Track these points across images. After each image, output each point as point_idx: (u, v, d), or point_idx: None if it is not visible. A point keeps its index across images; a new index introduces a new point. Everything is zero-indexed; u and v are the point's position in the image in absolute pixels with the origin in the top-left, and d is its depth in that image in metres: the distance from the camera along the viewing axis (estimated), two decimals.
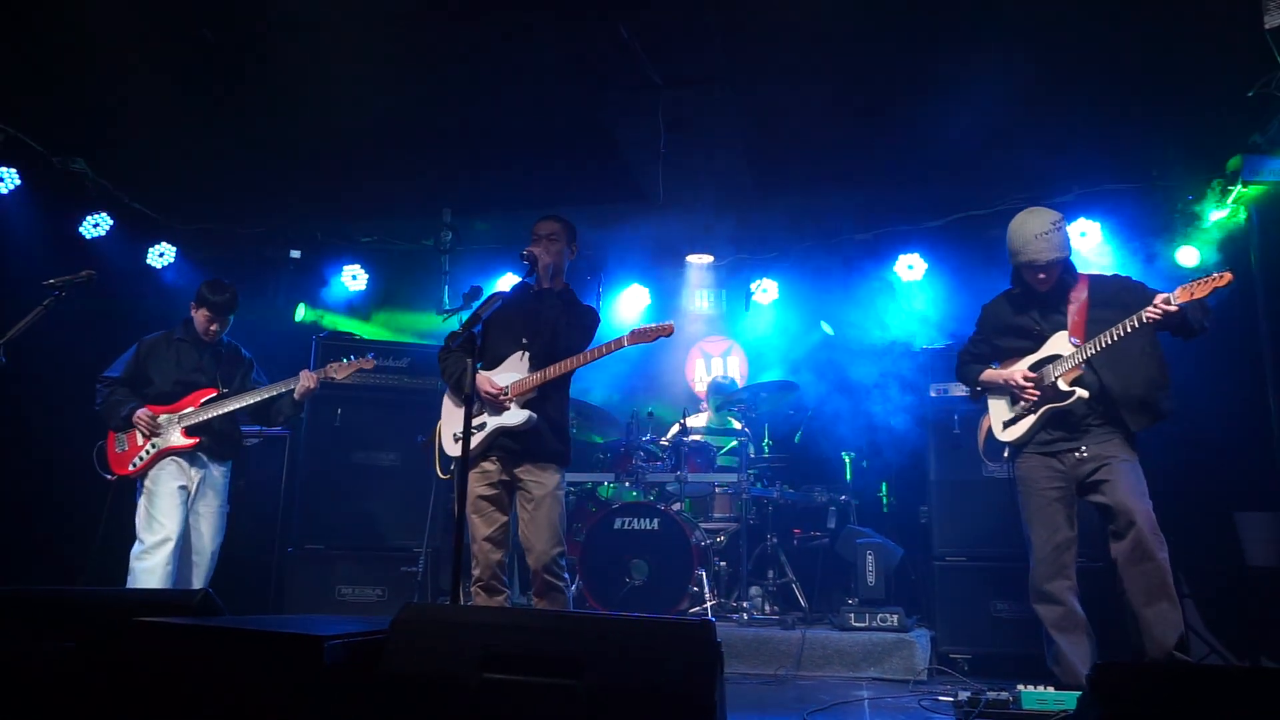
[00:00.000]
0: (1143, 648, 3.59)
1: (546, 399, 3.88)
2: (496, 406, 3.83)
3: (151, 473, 4.46)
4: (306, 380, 4.56)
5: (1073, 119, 5.31)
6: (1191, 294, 3.39)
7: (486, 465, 3.85)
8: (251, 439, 5.83)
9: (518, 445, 3.83)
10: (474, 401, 3.30)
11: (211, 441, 4.59)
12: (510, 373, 3.88)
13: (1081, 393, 3.71)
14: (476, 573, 3.81)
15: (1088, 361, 3.74)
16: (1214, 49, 4.57)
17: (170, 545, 4.35)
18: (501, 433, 3.82)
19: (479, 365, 3.92)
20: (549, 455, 3.87)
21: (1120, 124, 5.30)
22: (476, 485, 3.84)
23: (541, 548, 3.74)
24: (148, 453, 4.49)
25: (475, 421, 3.82)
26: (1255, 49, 4.24)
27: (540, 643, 1.98)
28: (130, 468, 4.50)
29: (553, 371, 3.79)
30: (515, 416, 3.80)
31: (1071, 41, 4.76)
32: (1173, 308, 3.44)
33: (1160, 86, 4.95)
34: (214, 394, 4.62)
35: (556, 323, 3.94)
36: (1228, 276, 3.35)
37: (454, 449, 3.93)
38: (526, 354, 3.89)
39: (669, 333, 3.83)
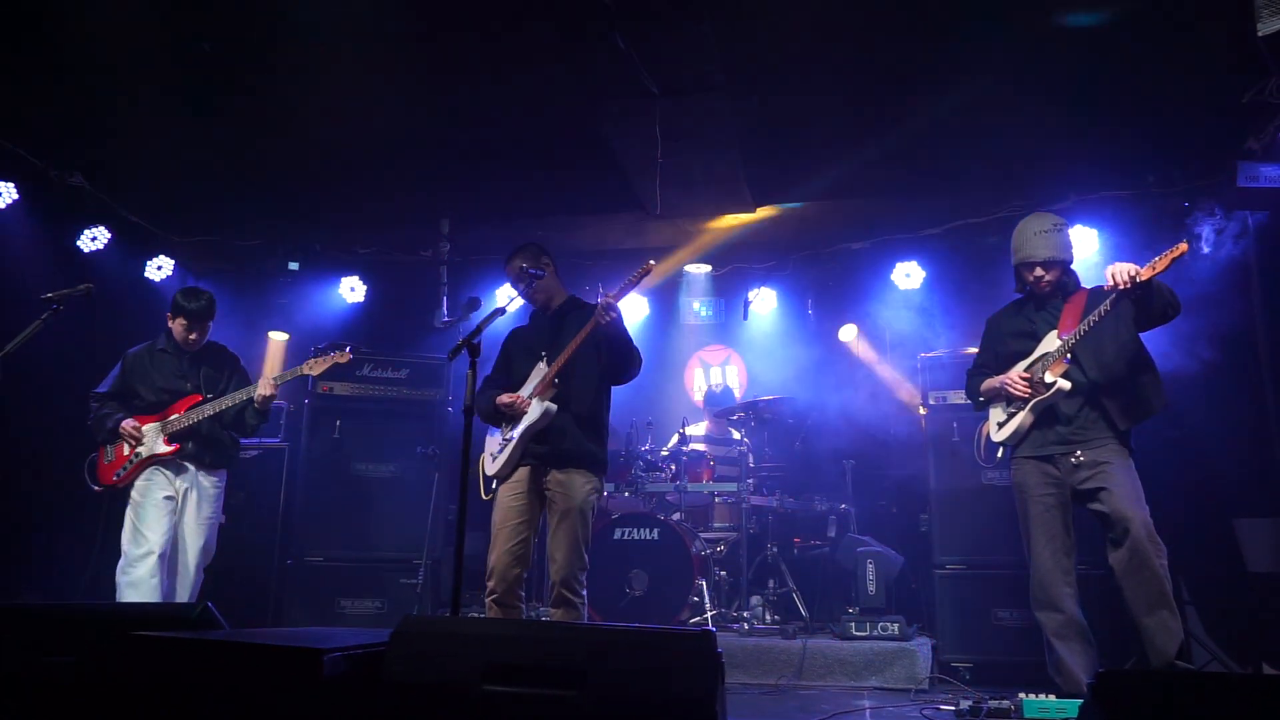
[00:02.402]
0: (1144, 655, 3.59)
1: (573, 396, 3.82)
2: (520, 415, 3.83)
3: (138, 483, 4.42)
4: (263, 387, 4.47)
5: (1069, 126, 5.33)
6: (1154, 268, 3.44)
7: (518, 475, 3.83)
8: (251, 450, 5.82)
9: (544, 448, 3.80)
10: (473, 414, 3.29)
11: (198, 448, 4.51)
12: (534, 381, 3.89)
13: (1063, 383, 3.72)
14: (491, 584, 3.72)
15: (1073, 355, 3.76)
16: (1208, 56, 4.59)
17: (153, 558, 4.28)
18: (530, 438, 3.80)
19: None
20: (578, 458, 3.79)
21: (1116, 131, 5.32)
22: (507, 496, 3.81)
23: (564, 562, 3.70)
24: (132, 462, 4.44)
25: (507, 434, 3.85)
26: (1249, 56, 4.26)
27: (541, 654, 1.98)
28: (115, 477, 4.46)
29: (562, 358, 3.76)
30: (534, 411, 3.77)
31: (1068, 49, 4.78)
32: (1125, 280, 3.47)
33: (1155, 93, 4.97)
34: (198, 400, 4.54)
35: (571, 327, 3.92)
36: (1182, 247, 3.42)
37: (492, 468, 3.92)
38: (545, 359, 3.89)
39: (649, 270, 3.76)
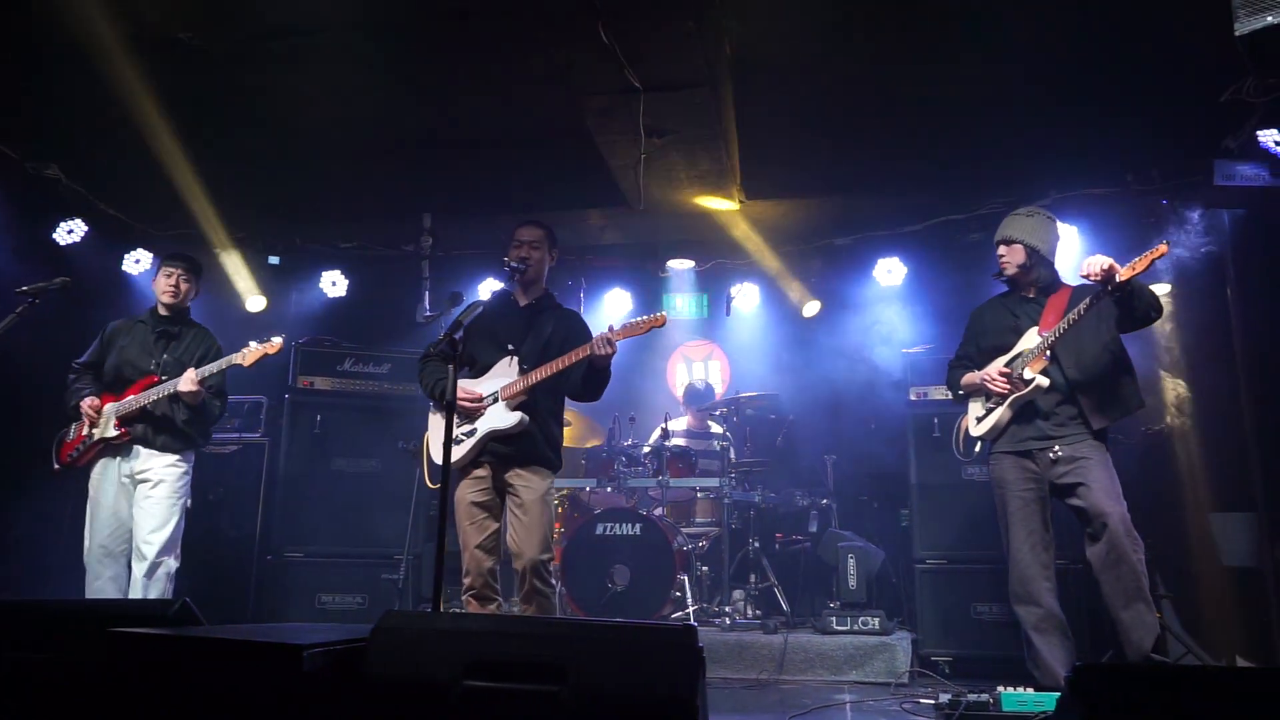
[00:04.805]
0: (1121, 649, 3.63)
1: (537, 404, 3.83)
2: (485, 413, 3.80)
3: (93, 476, 4.37)
4: (184, 383, 4.27)
5: (1049, 124, 5.36)
6: (1134, 269, 3.48)
7: (478, 472, 3.82)
8: (231, 445, 5.78)
9: (509, 449, 3.79)
10: (455, 408, 3.28)
11: (148, 430, 4.35)
12: (499, 378, 3.85)
13: (1041, 380, 3.76)
14: (468, 581, 3.75)
15: (1051, 352, 3.79)
16: (1186, 55, 4.63)
17: (92, 556, 4.25)
18: (493, 437, 3.78)
19: (464, 374, 3.92)
20: (539, 459, 3.84)
21: (1096, 129, 5.36)
22: (468, 492, 3.80)
23: (531, 553, 3.70)
24: (86, 443, 4.35)
25: (466, 428, 3.81)
26: (1227, 55, 4.29)
27: (522, 649, 1.97)
28: (69, 458, 4.38)
29: (543, 372, 3.75)
30: (507, 419, 3.75)
31: (1048, 48, 4.81)
32: (1097, 272, 3.51)
33: (1134, 92, 5.01)
34: (154, 382, 4.40)
35: (546, 328, 3.93)
36: (1162, 249, 3.48)
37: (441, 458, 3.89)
38: (515, 358, 3.86)
39: (661, 323, 3.72)
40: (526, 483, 3.78)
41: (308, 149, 5.81)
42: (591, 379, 3.82)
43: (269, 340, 4.44)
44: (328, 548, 5.68)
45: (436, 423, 3.98)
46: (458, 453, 3.80)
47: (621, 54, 4.51)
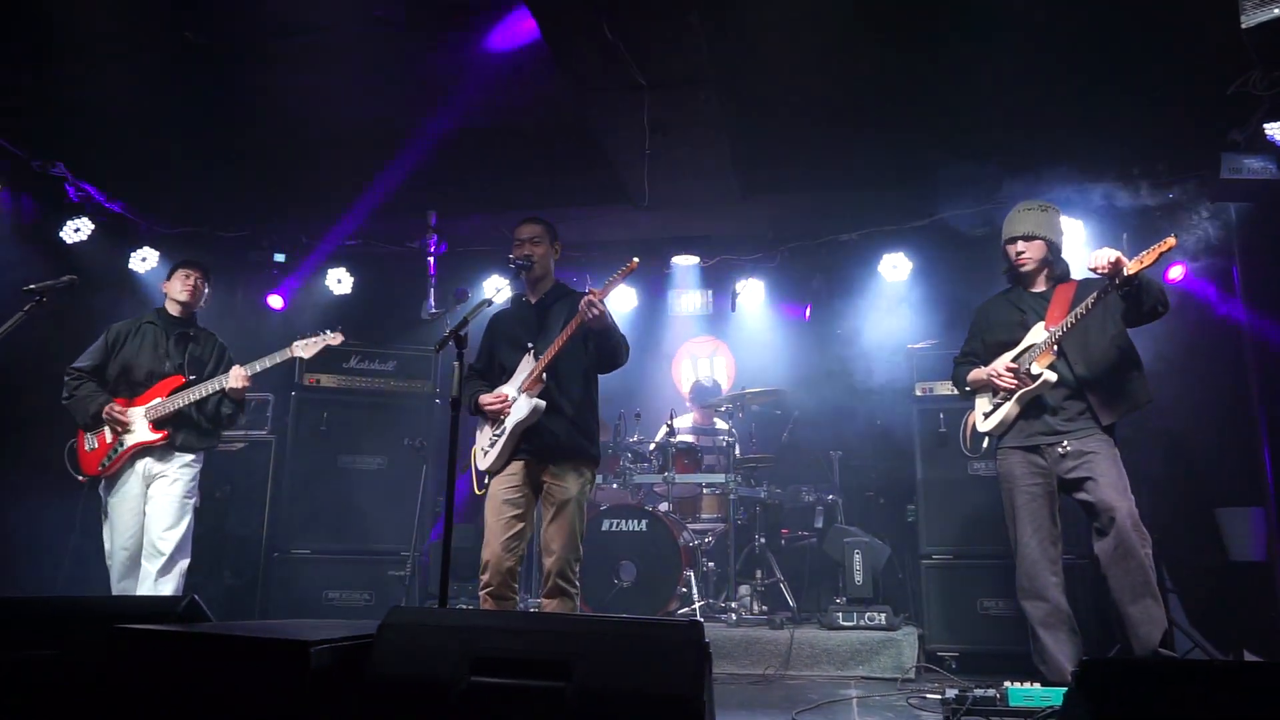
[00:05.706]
0: (1128, 644, 3.62)
1: (563, 391, 3.83)
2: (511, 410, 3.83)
3: (114, 484, 4.30)
4: (234, 379, 4.29)
5: (1054, 118, 5.35)
6: (1142, 262, 3.45)
7: (512, 469, 3.82)
8: (237, 443, 5.80)
9: (538, 444, 3.79)
10: (460, 405, 3.29)
11: (174, 431, 4.33)
12: (522, 375, 3.87)
13: (1049, 375, 3.74)
14: (485, 578, 3.73)
15: (1059, 347, 3.77)
16: (1193, 48, 4.61)
17: (116, 561, 4.23)
18: (520, 434, 3.78)
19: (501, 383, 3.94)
20: (571, 453, 3.81)
21: (1101, 122, 5.34)
22: (500, 488, 3.80)
23: (560, 553, 3.71)
24: (117, 450, 4.28)
25: (497, 429, 3.84)
26: (1233, 48, 4.28)
27: (528, 645, 1.98)
28: (100, 468, 4.31)
29: (549, 355, 3.76)
30: (524, 407, 3.75)
31: (1052, 42, 4.79)
32: (1105, 265, 3.49)
33: (1140, 85, 4.99)
34: (181, 383, 4.38)
35: (558, 318, 3.93)
36: (1170, 242, 3.43)
37: (484, 462, 3.90)
38: (533, 352, 3.88)
39: (633, 268, 3.78)
40: (560, 483, 3.78)
41: (313, 147, 5.81)
42: (602, 345, 3.84)
43: (326, 332, 4.43)
44: (334, 544, 5.70)
45: (481, 436, 3.99)
46: (492, 455, 3.83)
47: (626, 51, 4.50)
